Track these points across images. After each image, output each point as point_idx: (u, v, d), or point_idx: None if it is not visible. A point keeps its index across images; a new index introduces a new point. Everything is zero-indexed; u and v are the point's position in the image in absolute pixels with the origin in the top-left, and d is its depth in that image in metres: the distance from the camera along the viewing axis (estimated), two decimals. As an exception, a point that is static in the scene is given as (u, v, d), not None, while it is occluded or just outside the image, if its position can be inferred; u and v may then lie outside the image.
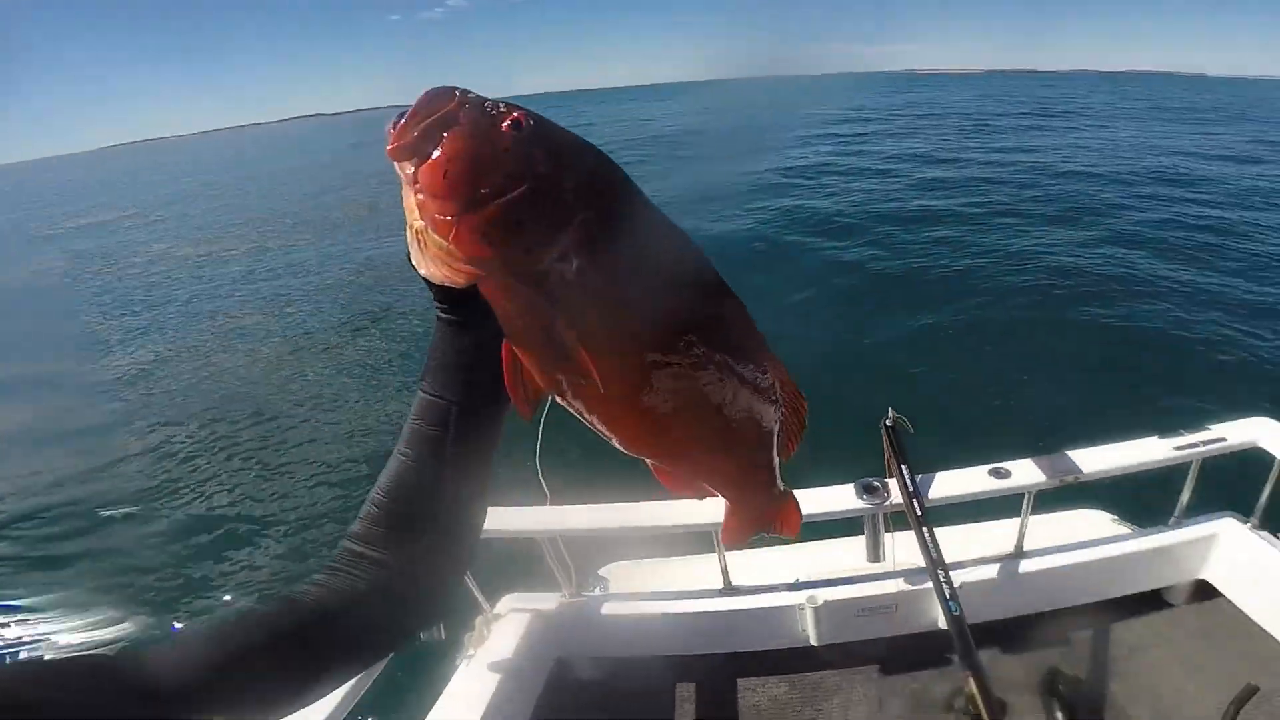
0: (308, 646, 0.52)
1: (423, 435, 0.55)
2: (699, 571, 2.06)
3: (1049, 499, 1.93)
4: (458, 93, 0.45)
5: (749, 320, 0.55)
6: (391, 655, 0.68)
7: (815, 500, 1.78)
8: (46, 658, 0.51)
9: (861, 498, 1.77)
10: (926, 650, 1.94)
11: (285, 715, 0.51)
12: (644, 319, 0.48)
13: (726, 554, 1.93)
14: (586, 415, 0.52)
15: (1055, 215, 11.57)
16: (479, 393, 0.55)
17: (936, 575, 1.70)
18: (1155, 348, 6.35)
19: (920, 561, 1.77)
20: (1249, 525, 1.96)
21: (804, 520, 1.76)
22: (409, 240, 0.47)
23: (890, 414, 1.84)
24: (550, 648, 1.95)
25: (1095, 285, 7.97)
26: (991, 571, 1.95)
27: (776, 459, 0.64)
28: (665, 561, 2.18)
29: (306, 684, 0.53)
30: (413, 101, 0.45)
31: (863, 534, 1.93)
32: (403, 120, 0.44)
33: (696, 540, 2.01)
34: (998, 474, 1.82)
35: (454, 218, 0.43)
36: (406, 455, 0.56)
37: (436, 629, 1.54)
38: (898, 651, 1.96)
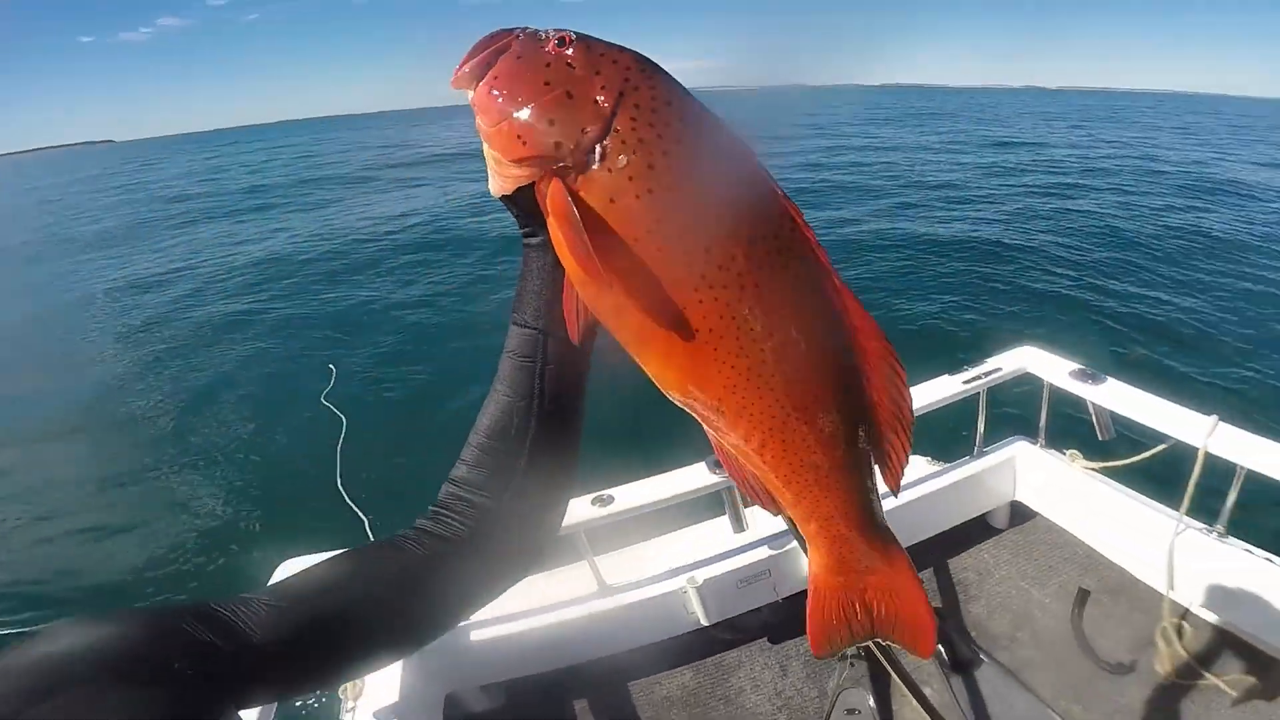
0: (418, 594, 0.52)
1: (516, 367, 0.55)
2: (568, 581, 1.96)
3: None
4: (516, 29, 0.48)
5: (810, 244, 0.48)
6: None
7: (671, 483, 1.78)
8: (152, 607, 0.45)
9: (715, 472, 1.78)
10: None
11: (388, 664, 0.51)
12: (679, 223, 0.45)
13: (595, 556, 1.88)
14: (622, 338, 0.50)
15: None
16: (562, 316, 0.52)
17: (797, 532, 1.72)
18: (913, 297, 7.32)
19: (781, 524, 1.84)
20: (1038, 445, 2.25)
21: (662, 504, 1.76)
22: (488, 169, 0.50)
23: None
24: (436, 685, 1.81)
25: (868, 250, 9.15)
26: None
27: (868, 453, 0.53)
28: (527, 581, 1.99)
29: (413, 633, 0.53)
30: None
31: (723, 511, 1.97)
32: (465, 55, 0.48)
33: (562, 553, 1.94)
34: None
35: (501, 126, 0.46)
36: (501, 390, 0.56)
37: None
38: (782, 614, 2.02)
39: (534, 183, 0.48)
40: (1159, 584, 1.91)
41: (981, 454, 2.24)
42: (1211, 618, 1.88)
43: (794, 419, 0.50)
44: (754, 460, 0.53)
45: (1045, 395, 2.09)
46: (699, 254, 0.45)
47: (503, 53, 0.47)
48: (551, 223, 0.46)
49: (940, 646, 1.86)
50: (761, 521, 2.00)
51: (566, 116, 0.45)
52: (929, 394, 2.02)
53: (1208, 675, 1.75)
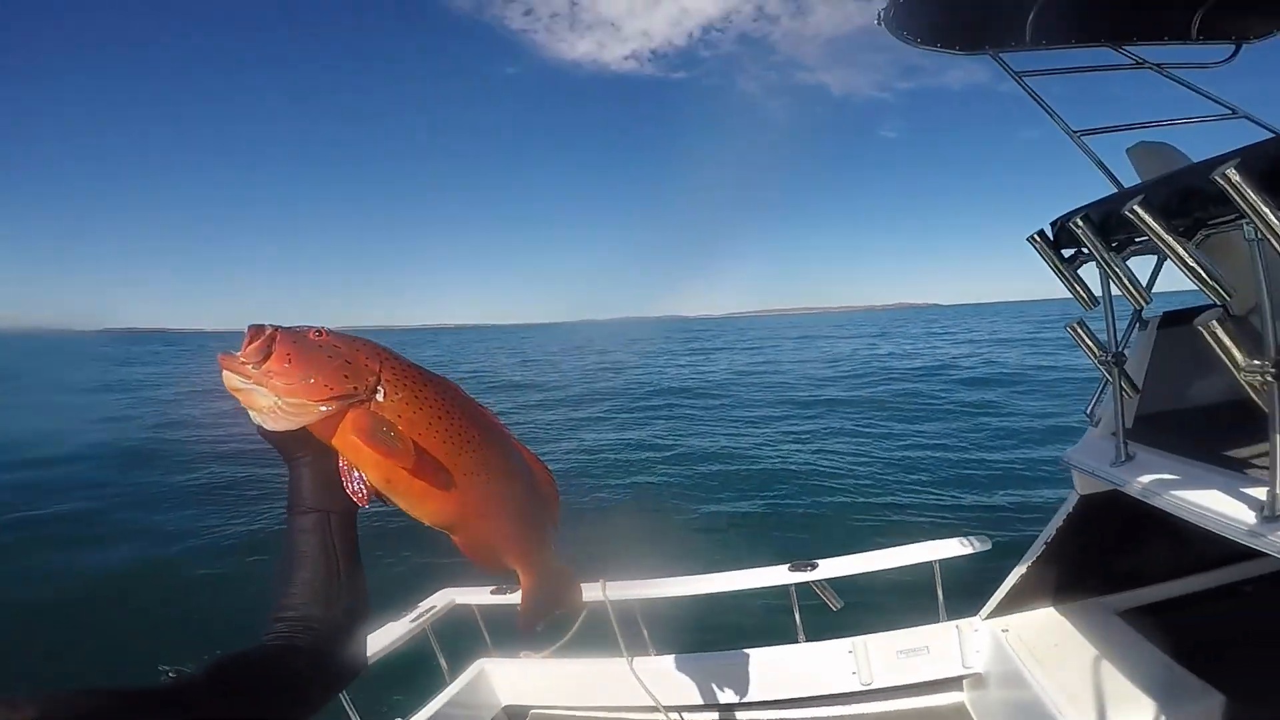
0: (295, 689, 0.69)
1: (311, 538, 0.76)
2: None
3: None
4: (268, 325, 0.74)
5: (498, 422, 0.86)
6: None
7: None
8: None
9: None
10: None
11: None
12: (444, 421, 0.79)
13: None
14: (406, 494, 0.78)
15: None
16: (338, 497, 0.77)
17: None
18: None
19: None
20: (498, 656, 2.55)
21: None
22: (254, 419, 0.72)
23: None
24: None
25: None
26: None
27: (548, 533, 0.93)
28: None
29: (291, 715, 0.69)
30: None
31: None
32: (243, 346, 0.71)
33: None
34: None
35: (307, 382, 0.71)
36: (302, 554, 0.76)
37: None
38: None
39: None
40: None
41: (454, 680, 2.44)
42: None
43: (516, 505, 0.88)
44: (498, 535, 0.88)
45: (479, 616, 2.34)
46: (456, 434, 0.79)
47: (273, 341, 0.71)
48: (359, 435, 0.72)
49: None
50: None
51: (354, 372, 0.74)
52: (382, 640, 2.19)
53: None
